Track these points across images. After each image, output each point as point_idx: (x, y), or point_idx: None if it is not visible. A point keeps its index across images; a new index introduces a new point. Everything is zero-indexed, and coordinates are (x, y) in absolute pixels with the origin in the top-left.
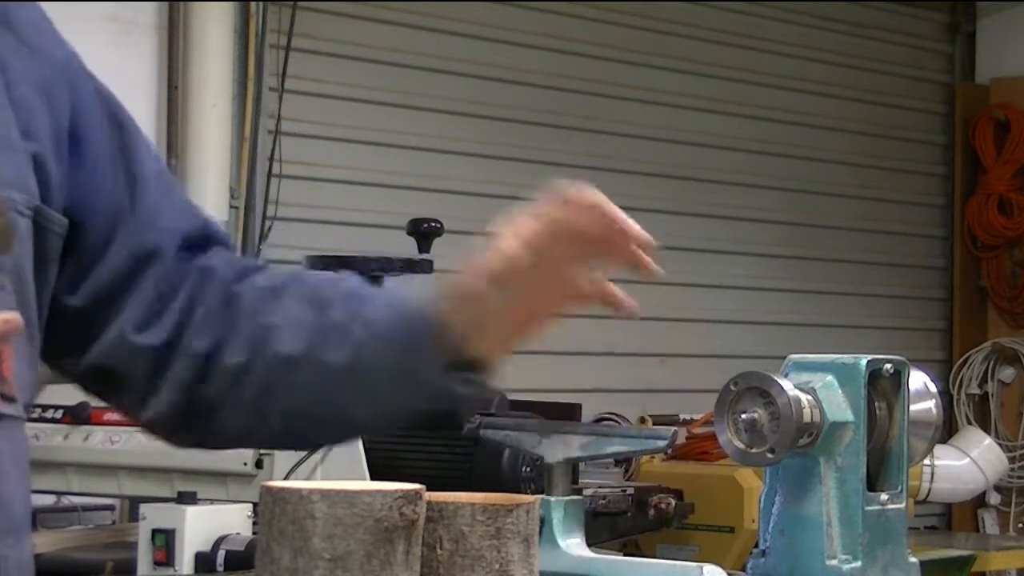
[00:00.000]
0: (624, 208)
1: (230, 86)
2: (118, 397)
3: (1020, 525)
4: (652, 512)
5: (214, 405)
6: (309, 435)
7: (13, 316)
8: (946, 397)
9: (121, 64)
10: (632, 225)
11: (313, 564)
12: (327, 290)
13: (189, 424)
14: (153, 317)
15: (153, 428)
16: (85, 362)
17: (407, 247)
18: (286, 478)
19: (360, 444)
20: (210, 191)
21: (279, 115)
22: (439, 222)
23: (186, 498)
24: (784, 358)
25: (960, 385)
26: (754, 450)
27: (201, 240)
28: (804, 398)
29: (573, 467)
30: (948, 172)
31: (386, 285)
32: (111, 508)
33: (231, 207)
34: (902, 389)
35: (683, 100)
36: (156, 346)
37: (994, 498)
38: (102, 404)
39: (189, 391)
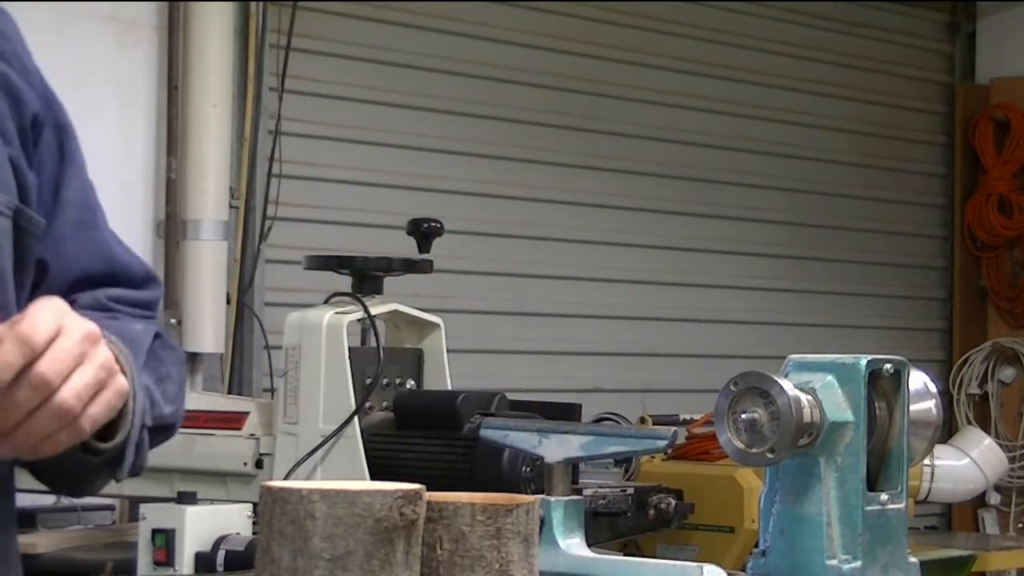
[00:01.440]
0: (624, 208)
1: (230, 86)
2: None
3: (1020, 525)
4: (652, 512)
5: None
6: None
7: None
8: (946, 397)
9: (121, 64)
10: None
11: (313, 564)
12: None
13: None
14: None
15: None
16: None
17: (407, 247)
18: (286, 478)
19: (360, 444)
20: (210, 191)
21: (279, 115)
22: (439, 222)
23: (186, 498)
24: (784, 358)
25: (960, 385)
26: (754, 450)
27: (103, 278)
28: (804, 398)
29: (573, 467)
30: (948, 172)
31: None
32: (111, 508)
33: (231, 207)
34: (902, 389)
35: (683, 100)
36: None
37: (994, 498)
38: None
39: None
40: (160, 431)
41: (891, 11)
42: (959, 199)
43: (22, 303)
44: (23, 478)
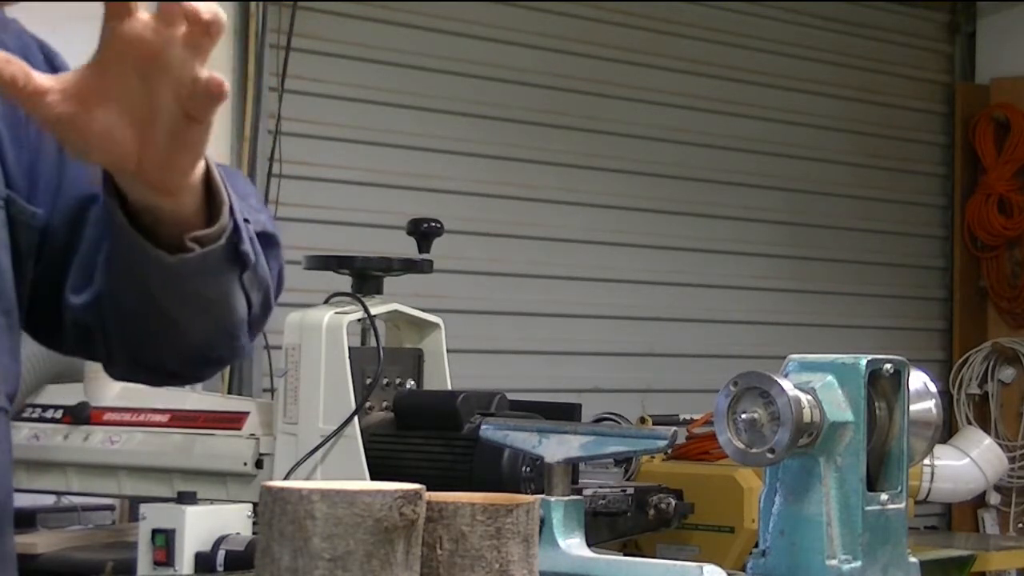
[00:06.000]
0: (624, 208)
1: (230, 86)
2: (94, 354)
3: (1020, 525)
4: (652, 512)
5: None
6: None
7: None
8: (946, 397)
9: None
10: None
11: (313, 564)
12: None
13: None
14: (86, 276)
15: (127, 377)
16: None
17: (407, 247)
18: (286, 478)
19: (360, 444)
20: None
21: (279, 115)
22: (439, 222)
23: (186, 498)
24: (784, 358)
25: (960, 385)
26: (754, 450)
27: None
28: (804, 398)
29: (573, 467)
30: (948, 172)
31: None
32: (111, 508)
33: None
34: (902, 389)
35: (683, 100)
36: (89, 304)
37: (994, 498)
38: (102, 404)
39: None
40: (267, 240)
41: (891, 11)
42: (959, 199)
43: (22, 295)
44: (20, 478)
